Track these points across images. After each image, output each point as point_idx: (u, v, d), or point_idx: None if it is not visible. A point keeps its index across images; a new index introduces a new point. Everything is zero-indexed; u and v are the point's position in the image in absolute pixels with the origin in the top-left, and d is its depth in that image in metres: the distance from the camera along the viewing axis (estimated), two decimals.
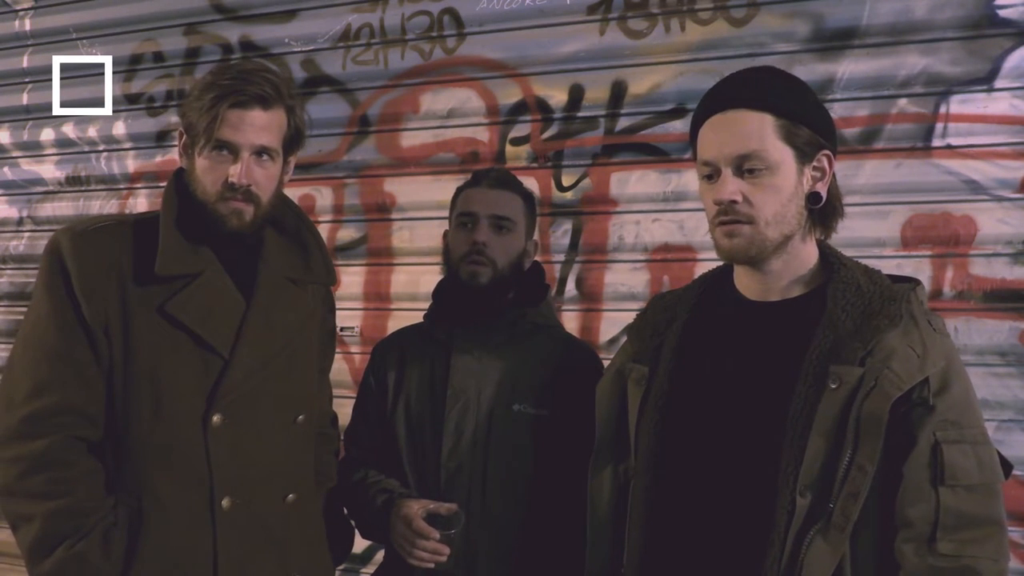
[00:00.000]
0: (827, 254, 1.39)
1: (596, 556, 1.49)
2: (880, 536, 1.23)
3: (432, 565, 1.65)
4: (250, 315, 1.57)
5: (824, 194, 1.35)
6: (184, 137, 1.56)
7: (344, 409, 1.97)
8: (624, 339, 1.60)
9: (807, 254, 1.37)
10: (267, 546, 1.58)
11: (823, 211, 1.37)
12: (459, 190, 1.88)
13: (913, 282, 1.35)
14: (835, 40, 2.31)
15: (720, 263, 1.49)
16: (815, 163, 1.33)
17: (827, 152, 1.34)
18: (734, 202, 1.29)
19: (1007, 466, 1.28)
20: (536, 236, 1.93)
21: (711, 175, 1.34)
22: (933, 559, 1.19)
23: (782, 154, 1.30)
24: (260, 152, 1.53)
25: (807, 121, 1.32)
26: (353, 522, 1.86)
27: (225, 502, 1.52)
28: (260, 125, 1.52)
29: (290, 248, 1.69)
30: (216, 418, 1.52)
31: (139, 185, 3.17)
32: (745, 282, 1.41)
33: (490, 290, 1.77)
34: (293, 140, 1.60)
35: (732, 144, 1.30)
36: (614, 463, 1.49)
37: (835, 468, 1.21)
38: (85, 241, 1.51)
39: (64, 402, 1.45)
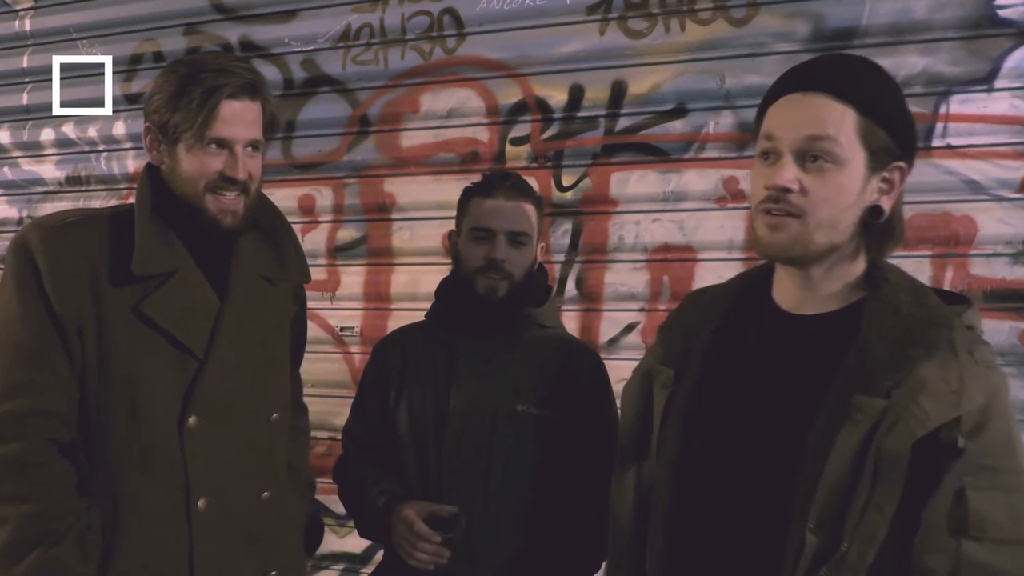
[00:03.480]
0: (872, 266, 1.26)
1: (619, 558, 1.42)
2: None
3: (432, 567, 1.65)
4: (225, 314, 1.55)
5: (887, 210, 1.21)
6: (152, 134, 1.51)
7: (344, 409, 1.97)
8: (649, 340, 1.53)
9: (853, 270, 1.25)
10: (243, 545, 1.57)
11: (880, 230, 1.23)
12: (470, 195, 1.83)
13: (964, 303, 1.22)
14: (835, 40, 2.31)
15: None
16: (885, 173, 1.20)
17: (901, 165, 1.21)
18: (788, 190, 1.16)
19: None
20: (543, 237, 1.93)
21: (768, 154, 1.21)
22: None
23: (854, 153, 1.17)
24: (250, 144, 1.51)
25: (889, 125, 1.19)
26: (353, 521, 1.86)
27: (201, 503, 1.50)
28: (250, 118, 1.50)
29: (264, 245, 1.66)
30: (192, 420, 1.49)
31: None
32: (782, 288, 1.29)
33: (506, 302, 1.77)
34: (269, 128, 1.57)
35: (804, 124, 1.17)
36: (638, 466, 1.40)
37: (850, 506, 1.11)
38: (56, 237, 1.46)
39: (36, 404, 1.42)
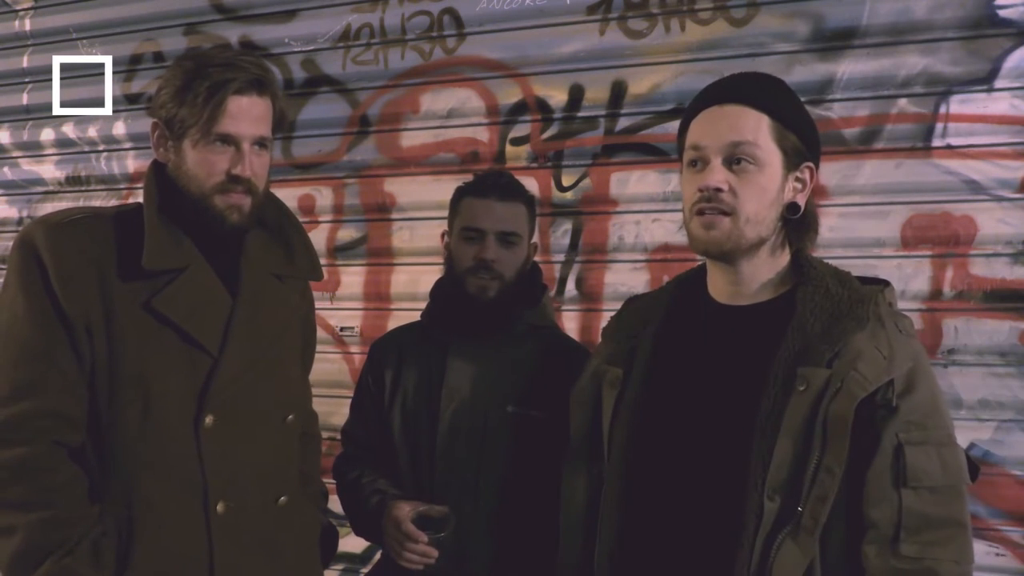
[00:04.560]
0: (798, 258, 1.40)
1: (568, 556, 1.49)
2: (849, 538, 1.23)
3: (422, 567, 1.66)
4: (237, 311, 1.52)
5: (802, 206, 1.36)
6: (159, 130, 1.49)
7: (345, 409, 1.97)
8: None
9: (778, 262, 1.39)
10: (261, 550, 1.53)
11: (799, 224, 1.38)
12: (462, 195, 1.84)
13: (882, 283, 1.36)
14: (835, 40, 2.31)
15: (690, 266, 1.52)
16: (798, 173, 1.36)
17: (810, 165, 1.37)
18: (719, 190, 1.30)
19: (975, 469, 1.29)
20: (536, 237, 1.92)
21: (696, 162, 1.34)
22: (896, 561, 1.20)
23: (772, 155, 1.32)
24: (257, 142, 1.49)
25: (798, 129, 1.35)
26: (348, 520, 1.86)
27: (220, 506, 1.47)
28: (257, 114, 1.47)
29: (272, 243, 1.64)
30: (208, 419, 1.46)
31: (139, 185, 3.14)
32: (716, 284, 1.42)
33: (497, 303, 1.77)
34: (278, 125, 1.56)
35: (727, 133, 1.31)
36: (588, 465, 1.48)
37: (803, 471, 1.22)
38: (62, 234, 1.43)
39: (44, 405, 1.38)
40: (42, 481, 1.38)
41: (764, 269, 1.37)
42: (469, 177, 1.91)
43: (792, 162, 1.34)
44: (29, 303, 1.40)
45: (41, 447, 1.38)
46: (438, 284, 1.91)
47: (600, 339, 1.57)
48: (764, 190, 1.31)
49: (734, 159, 1.31)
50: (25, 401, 1.38)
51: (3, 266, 3.35)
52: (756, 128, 1.31)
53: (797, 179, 1.36)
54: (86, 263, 1.42)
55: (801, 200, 1.36)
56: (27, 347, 1.40)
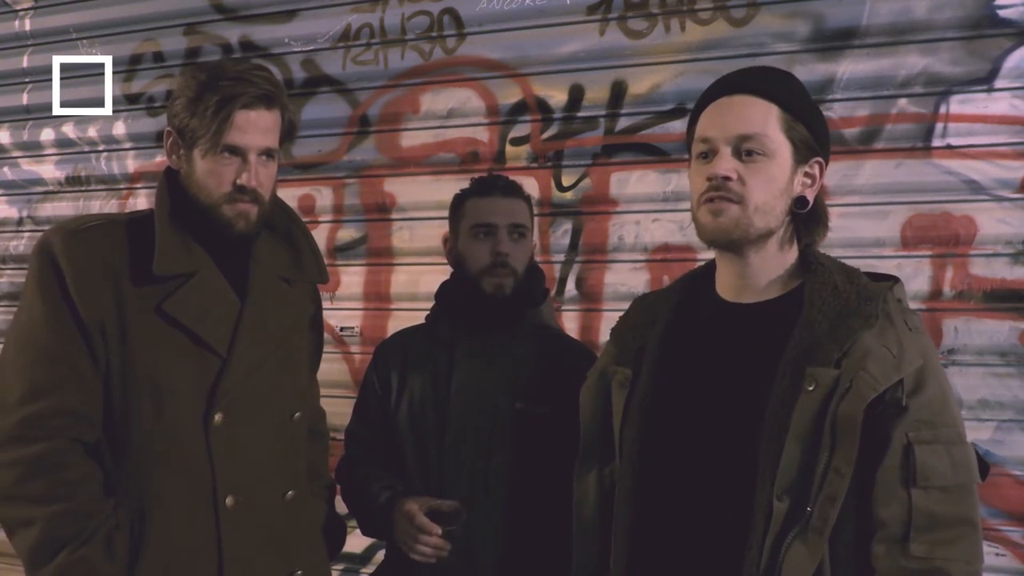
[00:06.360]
0: (806, 254, 1.38)
1: (582, 558, 1.49)
2: (859, 539, 1.22)
3: (434, 560, 1.67)
4: (245, 313, 1.57)
5: (811, 200, 1.35)
6: (172, 138, 1.55)
7: (344, 409, 1.97)
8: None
9: (786, 257, 1.37)
10: (269, 544, 1.58)
11: (808, 219, 1.37)
12: (464, 198, 1.87)
13: (891, 280, 1.34)
14: (835, 40, 2.31)
15: (690, 266, 1.51)
16: (807, 168, 1.34)
17: (820, 160, 1.36)
18: (727, 179, 1.29)
19: (984, 466, 1.27)
20: (535, 237, 1.94)
21: (706, 153, 1.33)
22: (905, 561, 1.18)
23: (781, 145, 1.31)
24: (264, 153, 1.54)
25: (807, 122, 1.34)
26: (355, 519, 1.87)
27: (229, 500, 1.52)
28: (264, 126, 1.52)
29: (281, 247, 1.70)
30: (217, 417, 1.52)
31: (139, 185, 3.17)
32: (724, 280, 1.40)
33: (512, 298, 1.79)
34: (286, 135, 1.61)
35: (735, 124, 1.30)
36: (599, 466, 1.48)
37: (812, 471, 1.20)
38: (78, 240, 1.49)
39: (61, 404, 1.44)
40: (60, 476, 1.43)
41: (772, 264, 1.35)
42: (469, 177, 1.92)
43: (801, 155, 1.33)
44: (46, 307, 1.47)
45: (59, 444, 1.44)
46: (444, 285, 1.92)
47: (608, 339, 1.57)
48: (773, 179, 1.30)
49: (744, 150, 1.29)
50: (44, 400, 1.44)
51: (3, 267, 3.37)
52: (765, 118, 1.30)
53: (807, 174, 1.34)
54: (101, 269, 1.48)
55: (810, 195, 1.35)
56: (45, 349, 1.46)
